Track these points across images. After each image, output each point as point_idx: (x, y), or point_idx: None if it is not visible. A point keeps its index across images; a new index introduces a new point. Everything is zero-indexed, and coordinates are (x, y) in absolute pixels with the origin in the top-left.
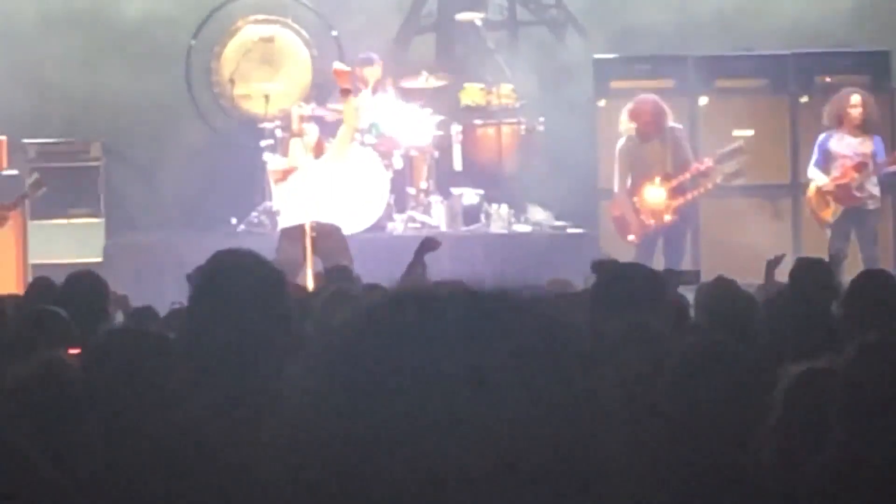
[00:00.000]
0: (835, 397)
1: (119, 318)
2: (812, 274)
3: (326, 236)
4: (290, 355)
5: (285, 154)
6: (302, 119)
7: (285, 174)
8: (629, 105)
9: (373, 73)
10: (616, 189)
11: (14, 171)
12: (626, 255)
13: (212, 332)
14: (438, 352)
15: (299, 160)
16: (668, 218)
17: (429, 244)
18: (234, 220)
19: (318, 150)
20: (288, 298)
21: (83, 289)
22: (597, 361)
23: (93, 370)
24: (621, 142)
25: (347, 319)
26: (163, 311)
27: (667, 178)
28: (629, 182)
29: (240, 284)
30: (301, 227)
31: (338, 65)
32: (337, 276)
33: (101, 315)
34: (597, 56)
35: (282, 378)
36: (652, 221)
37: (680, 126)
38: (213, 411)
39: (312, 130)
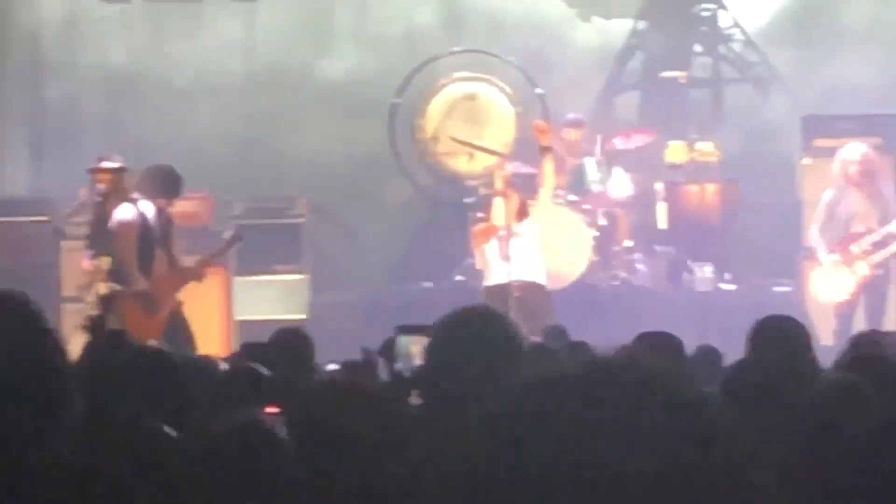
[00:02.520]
0: None
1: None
2: None
3: (530, 295)
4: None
5: (488, 211)
6: (505, 180)
7: (488, 233)
8: (841, 150)
9: (578, 133)
10: (812, 242)
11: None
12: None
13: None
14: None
15: (501, 219)
16: (867, 272)
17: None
18: (428, 284)
19: (521, 214)
20: (520, 355)
21: (290, 346)
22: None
23: (297, 424)
24: (829, 192)
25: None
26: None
27: (869, 231)
28: (828, 232)
29: (479, 341)
30: (505, 286)
31: (538, 122)
32: (552, 335)
33: (308, 371)
34: (803, 114)
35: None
36: (853, 277)
37: (891, 184)
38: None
39: (513, 196)
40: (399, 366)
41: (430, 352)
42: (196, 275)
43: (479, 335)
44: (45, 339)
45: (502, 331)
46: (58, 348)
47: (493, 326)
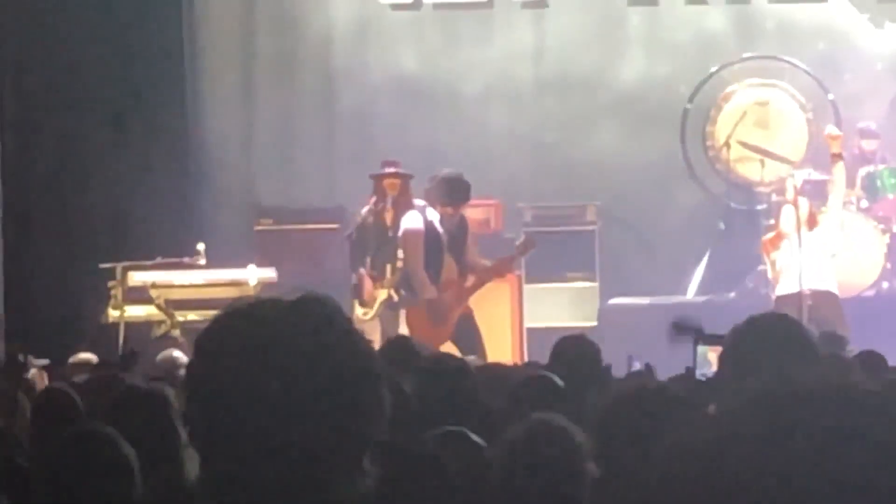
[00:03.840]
0: None
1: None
2: None
3: (823, 303)
4: None
5: (778, 219)
6: (797, 189)
7: (778, 241)
8: None
9: (870, 144)
10: None
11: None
12: None
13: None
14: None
15: (792, 227)
16: None
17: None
18: (690, 295)
19: (811, 223)
20: (817, 365)
21: (575, 352)
22: None
23: (597, 431)
24: None
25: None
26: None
27: None
28: None
29: (775, 349)
30: (798, 295)
31: (830, 129)
32: (828, 342)
33: (594, 378)
34: None
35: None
36: None
37: None
38: None
39: (804, 203)
40: (700, 374)
41: (723, 360)
42: (486, 282)
43: (774, 343)
44: (360, 344)
45: (799, 339)
46: (373, 355)
47: (790, 334)
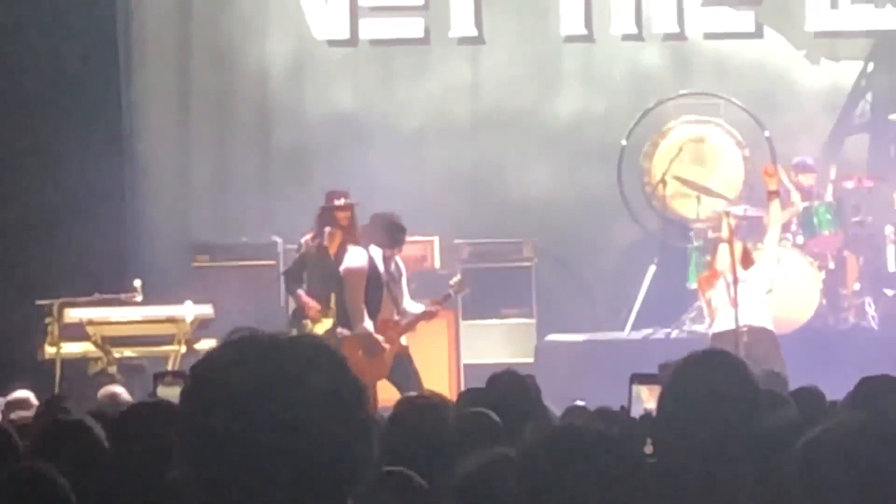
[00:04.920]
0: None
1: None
2: None
3: (759, 340)
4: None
5: (714, 255)
6: (731, 227)
7: (713, 278)
8: None
9: (807, 178)
10: None
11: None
12: None
13: (684, 436)
14: None
15: (727, 265)
16: None
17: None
18: (626, 332)
19: (746, 262)
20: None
21: (509, 389)
22: None
23: (529, 468)
24: None
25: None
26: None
27: None
28: None
29: (715, 388)
30: (733, 332)
31: (767, 166)
32: (768, 381)
33: (528, 415)
34: None
35: None
36: None
37: None
38: None
39: (738, 243)
40: (635, 414)
41: (663, 397)
42: (421, 320)
43: (715, 380)
44: (356, 389)
45: (739, 376)
46: (367, 399)
47: (730, 371)
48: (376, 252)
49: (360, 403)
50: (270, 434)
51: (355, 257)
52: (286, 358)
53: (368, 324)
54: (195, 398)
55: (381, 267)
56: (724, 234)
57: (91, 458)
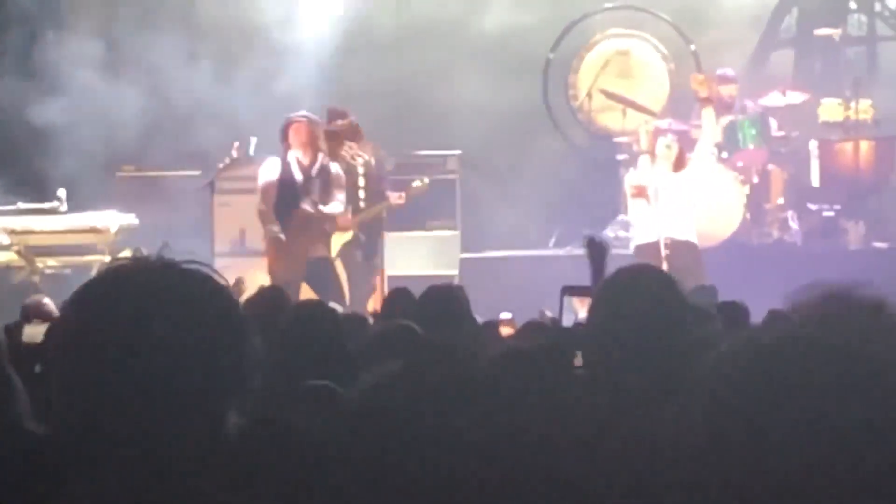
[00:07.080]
0: None
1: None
2: None
3: (681, 253)
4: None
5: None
6: (651, 135)
7: (639, 190)
8: None
9: (729, 90)
10: None
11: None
12: None
13: (612, 348)
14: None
15: (648, 177)
16: None
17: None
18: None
19: (679, 164)
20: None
21: (441, 301)
22: None
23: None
24: None
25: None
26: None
27: None
28: None
29: (643, 301)
30: (655, 244)
31: (696, 74)
32: (701, 295)
33: (459, 327)
34: None
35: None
36: None
37: None
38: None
39: (673, 145)
40: (566, 325)
41: (594, 309)
42: (341, 228)
43: (645, 293)
44: (228, 302)
45: (668, 289)
46: (239, 311)
47: (660, 285)
48: (293, 157)
49: (227, 314)
50: (134, 357)
51: (268, 168)
52: (151, 280)
53: (279, 229)
54: (67, 325)
55: (298, 173)
56: (644, 145)
57: None
